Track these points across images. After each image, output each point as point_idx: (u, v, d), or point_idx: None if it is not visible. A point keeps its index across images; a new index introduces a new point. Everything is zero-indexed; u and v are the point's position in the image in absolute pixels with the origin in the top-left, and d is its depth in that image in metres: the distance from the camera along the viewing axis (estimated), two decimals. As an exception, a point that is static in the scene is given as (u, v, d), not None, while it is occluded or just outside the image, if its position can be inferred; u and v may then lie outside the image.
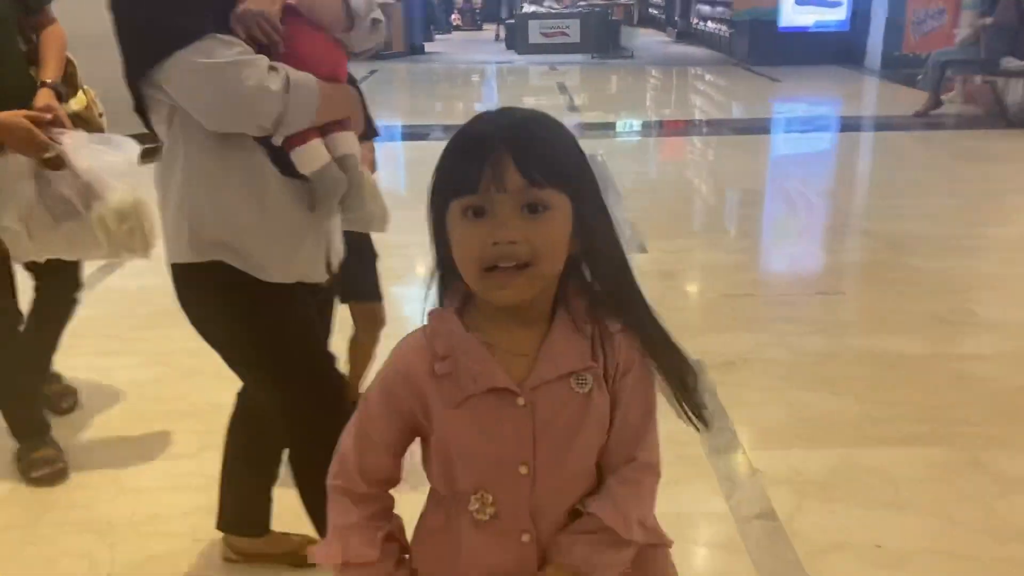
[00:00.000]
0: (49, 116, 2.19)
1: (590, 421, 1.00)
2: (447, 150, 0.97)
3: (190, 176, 1.58)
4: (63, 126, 2.23)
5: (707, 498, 2.34)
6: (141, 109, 1.60)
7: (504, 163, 0.91)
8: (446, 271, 1.01)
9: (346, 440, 1.06)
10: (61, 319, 2.57)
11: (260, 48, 1.52)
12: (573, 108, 9.70)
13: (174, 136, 1.58)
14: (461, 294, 1.02)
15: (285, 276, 1.64)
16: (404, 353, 1.02)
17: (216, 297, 1.64)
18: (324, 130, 1.61)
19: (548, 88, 11.81)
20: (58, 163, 2.19)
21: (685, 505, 2.29)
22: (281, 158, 1.58)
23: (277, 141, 1.55)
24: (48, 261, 2.33)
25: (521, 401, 0.98)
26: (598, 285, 1.02)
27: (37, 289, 2.54)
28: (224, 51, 1.48)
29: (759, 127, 8.63)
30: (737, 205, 5.93)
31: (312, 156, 1.58)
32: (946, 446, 2.58)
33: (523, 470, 0.99)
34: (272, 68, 1.51)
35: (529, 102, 10.97)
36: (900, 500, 2.32)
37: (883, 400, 2.87)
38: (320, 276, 1.71)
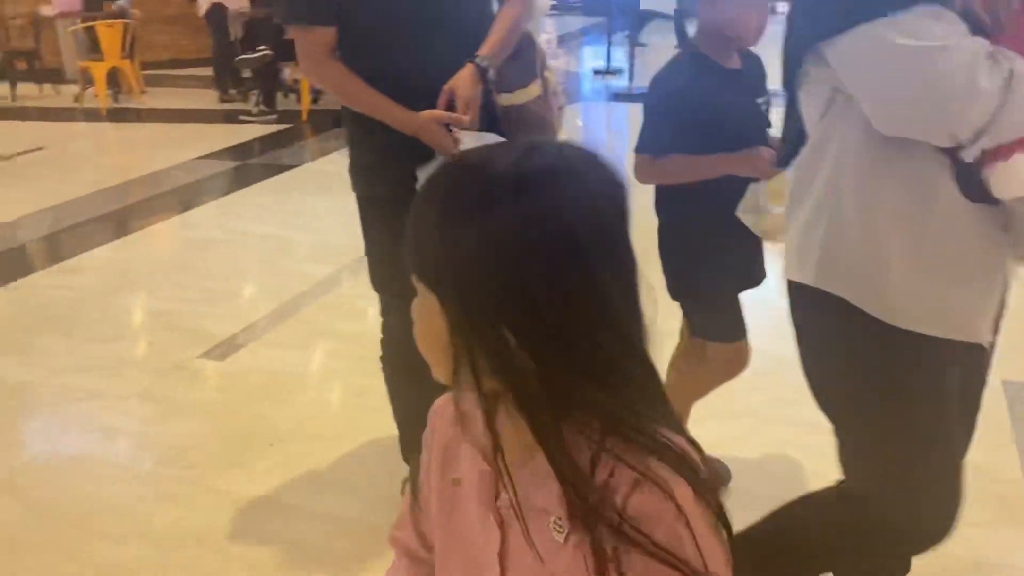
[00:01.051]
0: (465, 118, 1.88)
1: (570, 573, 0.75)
2: None
3: (836, 182, 1.27)
4: (463, 118, 1.91)
5: (1021, 550, 2.04)
6: (790, 85, 1.33)
7: None
8: None
9: (407, 496, 0.95)
10: None
11: (976, 28, 1.14)
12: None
13: (827, 128, 1.28)
14: None
15: (930, 326, 1.26)
16: (438, 405, 0.91)
17: (840, 339, 1.34)
18: None
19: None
20: None
21: (991, 553, 2.01)
22: (966, 174, 1.20)
23: (971, 155, 1.17)
24: None
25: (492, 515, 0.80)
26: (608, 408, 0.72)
27: None
28: (934, 29, 1.11)
29: None
30: None
31: (1018, 176, 1.16)
32: None
33: None
34: (991, 57, 1.12)
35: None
36: None
37: None
38: (982, 335, 1.31)
